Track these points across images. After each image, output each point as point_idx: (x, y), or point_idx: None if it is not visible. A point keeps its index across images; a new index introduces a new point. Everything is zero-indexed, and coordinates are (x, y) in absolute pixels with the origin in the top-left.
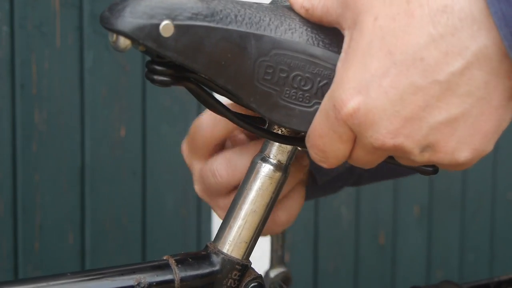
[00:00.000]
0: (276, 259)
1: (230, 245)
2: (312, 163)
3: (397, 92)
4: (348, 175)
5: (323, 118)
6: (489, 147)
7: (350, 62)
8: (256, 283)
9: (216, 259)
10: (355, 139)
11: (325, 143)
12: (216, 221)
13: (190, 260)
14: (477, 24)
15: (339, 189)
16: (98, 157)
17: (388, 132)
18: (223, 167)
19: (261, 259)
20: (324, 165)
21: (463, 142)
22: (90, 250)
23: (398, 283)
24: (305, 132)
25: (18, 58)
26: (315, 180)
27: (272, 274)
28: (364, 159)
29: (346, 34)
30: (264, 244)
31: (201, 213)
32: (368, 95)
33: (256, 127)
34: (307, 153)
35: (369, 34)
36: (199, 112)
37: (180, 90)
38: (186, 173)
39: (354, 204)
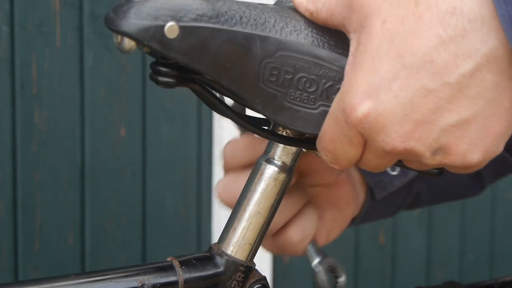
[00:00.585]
0: (315, 250)
1: (234, 247)
2: (370, 179)
3: (407, 95)
4: (406, 192)
5: (333, 122)
6: (499, 147)
7: (359, 66)
8: (260, 285)
9: (220, 260)
10: (365, 142)
11: (336, 146)
12: (216, 221)
13: (194, 261)
14: (487, 25)
15: (394, 212)
16: (98, 157)
17: (399, 136)
18: (222, 189)
19: (262, 259)
20: (336, 167)
21: (474, 144)
22: (90, 250)
23: (398, 283)
24: (310, 134)
25: (18, 58)
26: (373, 195)
27: (320, 265)
28: (374, 163)
29: (352, 37)
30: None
31: (201, 212)
32: (378, 99)
33: (260, 129)
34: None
35: (377, 37)
36: (199, 112)
37: (180, 90)
38: (186, 173)
39: None
